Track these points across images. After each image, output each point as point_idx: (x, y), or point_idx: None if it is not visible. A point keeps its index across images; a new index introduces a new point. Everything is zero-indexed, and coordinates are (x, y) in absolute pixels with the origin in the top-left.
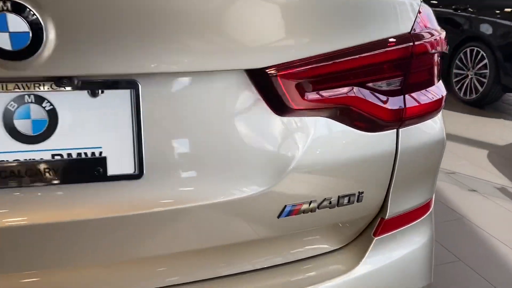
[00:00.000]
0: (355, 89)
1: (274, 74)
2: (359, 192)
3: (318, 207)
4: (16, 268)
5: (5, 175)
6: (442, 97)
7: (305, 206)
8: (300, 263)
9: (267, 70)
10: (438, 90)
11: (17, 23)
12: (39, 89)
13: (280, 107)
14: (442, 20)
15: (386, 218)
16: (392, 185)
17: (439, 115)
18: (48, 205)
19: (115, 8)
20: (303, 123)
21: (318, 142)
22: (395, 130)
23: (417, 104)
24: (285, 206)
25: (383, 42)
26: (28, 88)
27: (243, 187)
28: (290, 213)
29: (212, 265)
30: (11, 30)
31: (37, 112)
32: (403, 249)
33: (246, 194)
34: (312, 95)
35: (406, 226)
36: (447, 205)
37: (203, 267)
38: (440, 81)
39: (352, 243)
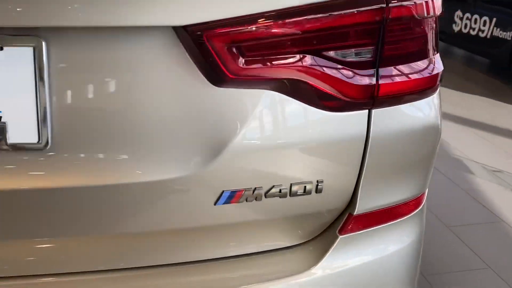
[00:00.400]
0: (309, 58)
1: (202, 35)
2: (317, 181)
3: (265, 196)
4: None
5: None
6: (437, 74)
7: (248, 193)
8: (248, 258)
9: (195, 29)
10: (431, 65)
11: None
12: None
13: (215, 75)
14: None
15: (354, 214)
16: (363, 176)
17: (434, 97)
18: None
19: None
20: (244, 96)
21: (263, 119)
22: (366, 111)
23: (397, 81)
24: (223, 191)
25: (346, 2)
26: None
27: (170, 168)
28: (229, 200)
29: (134, 253)
30: None
31: None
32: (377, 252)
33: (174, 176)
34: (251, 63)
35: (382, 225)
36: (484, 206)
37: (122, 255)
38: (437, 55)
39: (315, 240)
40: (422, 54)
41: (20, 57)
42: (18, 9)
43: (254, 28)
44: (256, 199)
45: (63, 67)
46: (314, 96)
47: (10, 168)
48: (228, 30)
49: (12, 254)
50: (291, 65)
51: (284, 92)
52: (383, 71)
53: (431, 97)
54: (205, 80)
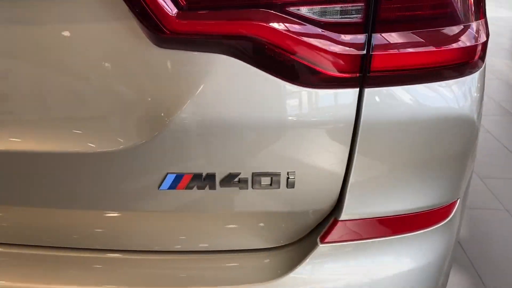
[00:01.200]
0: (274, 14)
1: None
2: (287, 172)
3: (220, 184)
4: None
5: None
6: (471, 46)
7: (197, 179)
8: (199, 256)
9: None
10: (461, 33)
11: None
12: None
13: (154, 30)
14: None
15: (340, 219)
16: (351, 173)
17: (467, 80)
18: None
19: None
20: (192, 61)
21: (216, 91)
22: (356, 89)
23: (401, 52)
24: (167, 174)
25: None
26: None
27: (107, 139)
28: (175, 185)
29: (63, 232)
30: None
31: None
32: (370, 272)
33: (110, 149)
34: (193, 16)
35: (380, 239)
36: None
37: (48, 232)
38: (480, 21)
39: (291, 246)
40: (443, 17)
41: None
42: None
43: None
44: (209, 187)
45: None
46: (283, 66)
47: None
48: None
49: None
50: (249, 21)
51: (244, 59)
52: (378, 37)
53: (460, 79)
54: (145, 38)
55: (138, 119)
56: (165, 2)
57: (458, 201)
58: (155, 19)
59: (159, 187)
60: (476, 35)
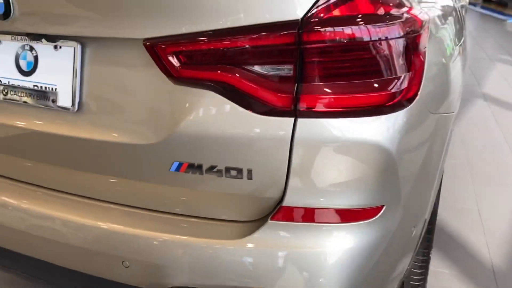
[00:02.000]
0: (237, 69)
1: (149, 44)
2: (247, 169)
3: (205, 172)
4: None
5: (9, 93)
6: (379, 96)
7: (191, 167)
8: (188, 218)
9: (147, 42)
10: (371, 87)
11: None
12: (28, 42)
13: (168, 75)
14: None
15: (283, 204)
16: (290, 174)
17: (385, 118)
18: (27, 114)
19: None
20: (190, 92)
21: (204, 111)
22: (292, 118)
23: (325, 97)
24: (174, 161)
25: (263, 26)
26: (25, 40)
27: (139, 137)
28: (178, 169)
29: (104, 188)
30: None
31: (28, 55)
32: (300, 246)
33: (138, 142)
34: (181, 68)
35: (313, 223)
36: None
37: (99, 189)
38: (405, 74)
39: (253, 222)
40: (358, 76)
41: (66, 51)
42: (65, 27)
43: (191, 42)
44: (198, 173)
45: (87, 62)
46: (243, 100)
47: (54, 119)
48: (173, 42)
49: (28, 169)
50: (221, 73)
51: (221, 94)
52: (307, 86)
53: (382, 117)
54: (165, 77)
55: (158, 125)
56: (173, 60)
57: (384, 207)
58: (168, 69)
59: (169, 169)
60: (391, 86)
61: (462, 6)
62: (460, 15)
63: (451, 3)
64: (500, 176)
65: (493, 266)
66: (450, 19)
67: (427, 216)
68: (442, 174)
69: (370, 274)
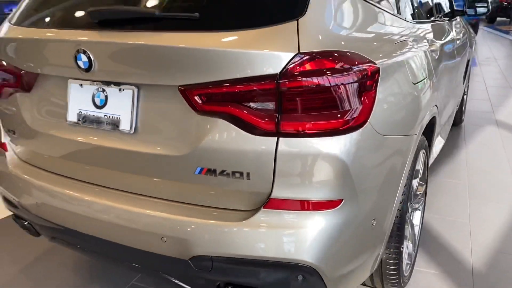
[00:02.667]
0: (239, 105)
1: (182, 89)
2: (247, 173)
3: (218, 174)
4: (72, 158)
5: (87, 120)
6: (334, 122)
7: (209, 171)
8: (206, 208)
9: (180, 88)
10: (337, 114)
11: (82, 55)
12: (102, 85)
13: (192, 108)
14: None
15: (271, 197)
16: (276, 176)
17: (342, 139)
18: (98, 135)
19: (128, 53)
20: (208, 120)
21: (216, 133)
22: (275, 137)
23: (298, 123)
24: (197, 167)
25: (243, 80)
26: (100, 85)
27: (174, 149)
28: (200, 172)
29: (149, 186)
30: (82, 59)
31: (100, 95)
32: (289, 225)
33: (174, 154)
34: (202, 104)
35: (294, 211)
36: None
37: (146, 187)
38: (349, 111)
39: (253, 210)
40: (320, 109)
41: (127, 92)
42: (128, 76)
43: (208, 88)
44: (213, 175)
45: (141, 99)
46: (243, 125)
47: (118, 138)
48: (197, 88)
49: (96, 173)
50: (228, 107)
51: (229, 121)
52: (285, 116)
53: (339, 137)
54: (191, 110)
55: (186, 142)
56: (197, 99)
57: (343, 200)
58: (194, 105)
59: (194, 173)
60: (346, 116)
61: (438, 49)
62: (432, 56)
63: (419, 51)
64: (497, 194)
65: (473, 270)
66: (416, 62)
67: (390, 215)
68: (424, 188)
69: (339, 248)
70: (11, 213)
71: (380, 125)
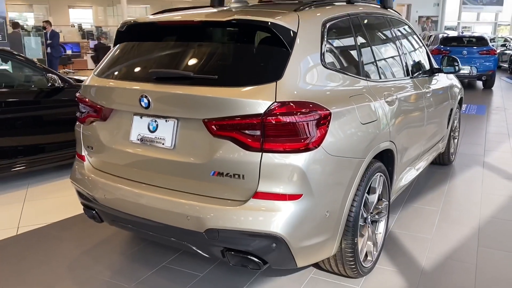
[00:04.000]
0: (238, 132)
1: (205, 121)
2: (242, 175)
3: (224, 175)
4: (131, 165)
5: (144, 140)
6: (300, 145)
7: (219, 173)
8: (216, 198)
9: (203, 120)
10: (299, 139)
11: (144, 99)
12: (155, 118)
13: (210, 133)
14: None
15: (257, 191)
16: (260, 177)
17: (307, 154)
18: (150, 150)
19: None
20: (220, 141)
21: (224, 149)
22: (260, 153)
23: (274, 144)
24: (212, 170)
25: (240, 116)
26: (153, 118)
27: (198, 160)
28: (213, 174)
29: (180, 183)
30: (144, 101)
31: (153, 124)
32: (268, 209)
33: (198, 162)
34: (216, 131)
35: (272, 200)
36: None
37: (177, 184)
38: (308, 137)
39: (246, 200)
40: (291, 136)
41: (171, 123)
42: (171, 113)
43: (220, 120)
44: (221, 176)
45: (179, 127)
46: (241, 144)
47: (162, 152)
48: (213, 120)
49: (146, 175)
50: (232, 133)
51: (232, 142)
52: (267, 139)
53: (301, 153)
54: (209, 134)
55: (206, 154)
56: (213, 127)
57: (302, 195)
58: (211, 131)
59: (209, 174)
60: (306, 141)
61: (394, 101)
62: (387, 106)
63: (372, 101)
64: (463, 220)
65: (422, 270)
66: (366, 109)
67: (342, 212)
68: (385, 204)
69: (301, 227)
70: (70, 215)
71: (330, 148)
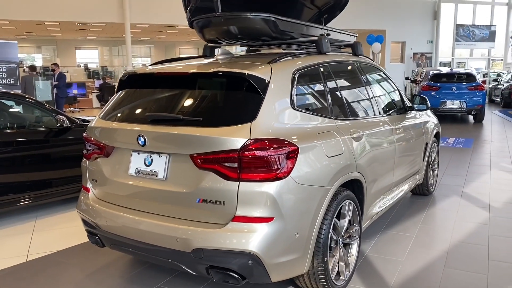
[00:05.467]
0: (219, 165)
1: (191, 156)
2: (223, 201)
3: (208, 202)
4: (129, 195)
5: (140, 173)
6: (271, 175)
7: (204, 200)
8: (199, 222)
9: (190, 155)
10: (270, 170)
11: (141, 138)
12: (150, 154)
13: (196, 166)
14: None
15: (235, 215)
16: (238, 203)
17: (274, 185)
18: (145, 181)
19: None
20: (204, 172)
21: (207, 179)
22: (238, 182)
23: (249, 175)
24: (197, 198)
25: (221, 151)
26: (149, 153)
27: (187, 189)
28: (199, 201)
29: (170, 210)
30: (141, 140)
31: (148, 159)
32: (244, 230)
33: (185, 190)
34: (200, 164)
35: (247, 223)
36: None
37: (168, 211)
38: (278, 168)
39: (226, 223)
40: (263, 168)
41: (163, 158)
42: (164, 149)
43: (203, 155)
44: (205, 203)
45: (170, 161)
46: (222, 175)
47: (156, 183)
48: (197, 155)
49: (142, 203)
50: (214, 166)
51: (214, 173)
52: (244, 170)
53: (272, 182)
54: (195, 167)
55: (192, 185)
56: (198, 161)
57: (274, 218)
58: (197, 164)
59: (195, 201)
60: (276, 171)
61: (361, 137)
62: (354, 141)
63: (339, 138)
64: (434, 245)
65: (393, 285)
66: (332, 144)
67: (312, 234)
68: (356, 229)
69: (273, 246)
70: (76, 244)
71: (298, 177)
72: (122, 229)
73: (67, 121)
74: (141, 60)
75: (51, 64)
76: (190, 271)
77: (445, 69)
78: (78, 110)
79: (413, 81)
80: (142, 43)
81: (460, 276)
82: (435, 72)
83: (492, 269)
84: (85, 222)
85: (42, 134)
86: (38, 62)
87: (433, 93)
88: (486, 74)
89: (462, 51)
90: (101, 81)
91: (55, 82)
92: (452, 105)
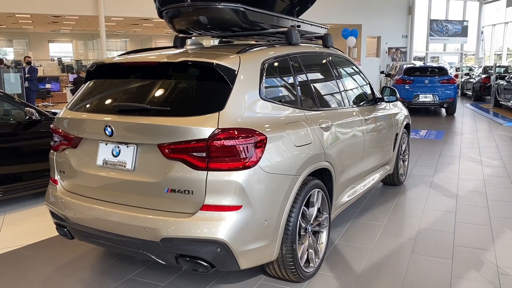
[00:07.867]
0: (188, 154)
1: (159, 146)
2: (191, 190)
3: (176, 191)
4: (97, 186)
5: (108, 164)
6: (239, 164)
7: (172, 190)
8: (169, 212)
9: (158, 145)
10: (238, 159)
11: (108, 128)
12: (118, 144)
13: (164, 156)
14: None
15: (204, 204)
16: (206, 191)
17: (242, 173)
18: (113, 172)
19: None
20: (172, 162)
21: (175, 169)
22: (206, 171)
23: (218, 164)
24: (166, 188)
25: (189, 141)
26: (116, 144)
27: (155, 179)
28: (167, 191)
29: (139, 200)
30: (108, 130)
31: (116, 149)
32: (213, 219)
33: (152, 181)
34: (168, 153)
35: (216, 211)
36: None
37: (137, 201)
38: (247, 157)
39: (195, 212)
40: (233, 157)
41: (131, 148)
42: (133, 139)
43: (171, 145)
44: (174, 192)
45: (138, 151)
46: (190, 164)
47: (124, 173)
48: (166, 145)
49: (109, 194)
50: (182, 156)
51: (183, 163)
52: (212, 160)
53: (241, 171)
54: (163, 157)
55: (160, 174)
56: (166, 151)
57: (242, 206)
58: (165, 154)
59: (164, 191)
60: (244, 160)
61: (330, 126)
62: (322, 131)
63: (307, 127)
64: (403, 232)
65: (359, 275)
66: (301, 134)
67: (280, 222)
68: (325, 217)
69: (241, 233)
70: (45, 238)
71: (267, 166)
72: (91, 221)
73: (37, 114)
74: (117, 54)
75: (25, 57)
76: (159, 260)
77: (418, 63)
78: (52, 104)
79: (388, 75)
80: (117, 37)
81: (426, 262)
82: (408, 66)
83: (456, 255)
84: (53, 215)
85: (10, 127)
86: (10, 55)
87: (406, 86)
88: (459, 68)
89: (436, 45)
90: (75, 75)
91: (27, 75)
92: (425, 98)
